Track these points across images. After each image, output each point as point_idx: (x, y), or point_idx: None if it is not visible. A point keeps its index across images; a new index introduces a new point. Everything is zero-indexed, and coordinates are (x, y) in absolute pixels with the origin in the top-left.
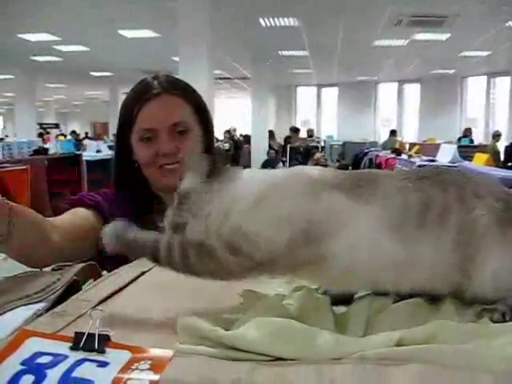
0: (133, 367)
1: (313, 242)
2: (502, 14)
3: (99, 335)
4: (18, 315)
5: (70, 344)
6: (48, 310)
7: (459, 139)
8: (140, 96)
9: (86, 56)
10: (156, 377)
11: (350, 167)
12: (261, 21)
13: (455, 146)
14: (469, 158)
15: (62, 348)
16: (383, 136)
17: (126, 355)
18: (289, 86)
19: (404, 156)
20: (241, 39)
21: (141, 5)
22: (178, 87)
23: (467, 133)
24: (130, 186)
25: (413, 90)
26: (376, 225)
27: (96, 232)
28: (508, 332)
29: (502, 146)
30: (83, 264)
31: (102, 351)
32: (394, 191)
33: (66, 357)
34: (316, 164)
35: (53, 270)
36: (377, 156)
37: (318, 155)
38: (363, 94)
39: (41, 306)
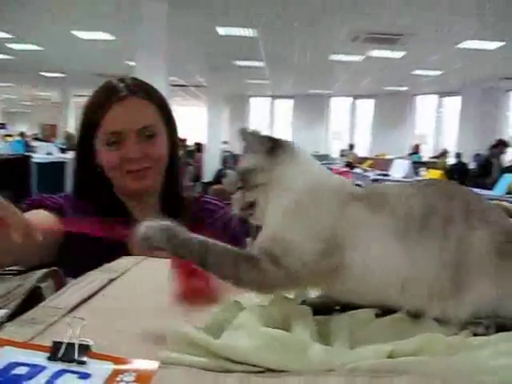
0: (117, 379)
1: (335, 253)
2: (455, 35)
3: (79, 345)
4: None
5: (47, 354)
6: (10, 317)
7: (410, 155)
8: (106, 98)
9: (39, 56)
10: None
11: None
12: (219, 30)
13: (408, 162)
14: (418, 174)
15: (39, 358)
16: (333, 149)
17: (108, 366)
18: (242, 96)
19: (358, 170)
20: (198, 47)
21: (98, 7)
22: (144, 90)
23: (416, 149)
24: (92, 190)
25: (366, 106)
26: (387, 238)
27: (57, 236)
28: (491, 345)
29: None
30: (46, 269)
31: (81, 362)
32: (402, 203)
33: (43, 368)
34: None
35: (13, 275)
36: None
37: None
38: (316, 107)
39: (2, 312)
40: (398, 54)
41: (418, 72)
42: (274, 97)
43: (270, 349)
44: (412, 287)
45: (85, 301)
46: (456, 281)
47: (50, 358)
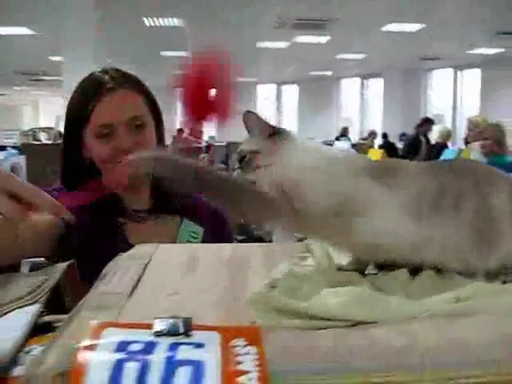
0: (231, 344)
1: (346, 213)
2: (378, 19)
3: (182, 319)
4: (17, 318)
5: (151, 331)
6: (43, 311)
7: (337, 138)
8: (93, 92)
9: None
10: (262, 349)
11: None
12: (145, 20)
13: (349, 143)
14: None
15: (145, 335)
16: None
17: (215, 335)
18: (169, 87)
19: None
20: (124, 39)
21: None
22: (130, 81)
23: (344, 132)
24: (83, 183)
25: (291, 91)
26: (399, 206)
27: (55, 229)
28: None
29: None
30: (65, 263)
31: (188, 334)
32: (414, 178)
33: (155, 343)
34: None
35: (31, 270)
36: None
37: (201, 156)
38: (244, 95)
39: (35, 307)
40: (324, 39)
41: (342, 56)
42: None
43: (357, 304)
44: (423, 254)
45: (136, 285)
46: (482, 239)
47: (156, 334)
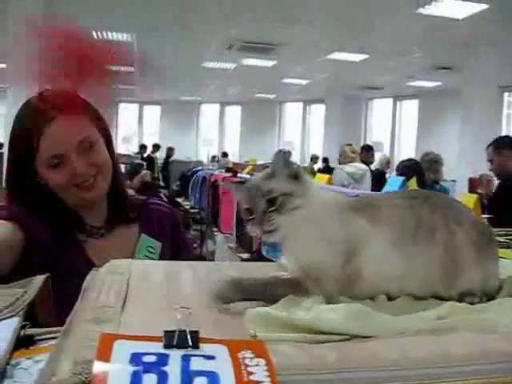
0: (240, 356)
1: (351, 260)
2: (325, 47)
3: (190, 332)
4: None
5: (161, 343)
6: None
7: None
8: (35, 122)
9: None
10: (270, 361)
11: (179, 183)
12: (93, 34)
13: None
14: None
15: (155, 347)
16: (203, 156)
17: (222, 348)
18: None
19: (244, 175)
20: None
21: None
22: (71, 103)
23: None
24: (41, 204)
25: (235, 112)
26: (386, 242)
27: (17, 246)
28: (491, 309)
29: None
30: (43, 276)
31: (196, 347)
32: (395, 211)
33: (167, 355)
34: (141, 181)
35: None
36: (211, 175)
37: (144, 172)
38: (186, 114)
39: (16, 320)
40: (270, 63)
41: (287, 80)
42: (142, 103)
43: (354, 319)
44: (407, 286)
45: (125, 299)
46: (449, 272)
47: (166, 347)
